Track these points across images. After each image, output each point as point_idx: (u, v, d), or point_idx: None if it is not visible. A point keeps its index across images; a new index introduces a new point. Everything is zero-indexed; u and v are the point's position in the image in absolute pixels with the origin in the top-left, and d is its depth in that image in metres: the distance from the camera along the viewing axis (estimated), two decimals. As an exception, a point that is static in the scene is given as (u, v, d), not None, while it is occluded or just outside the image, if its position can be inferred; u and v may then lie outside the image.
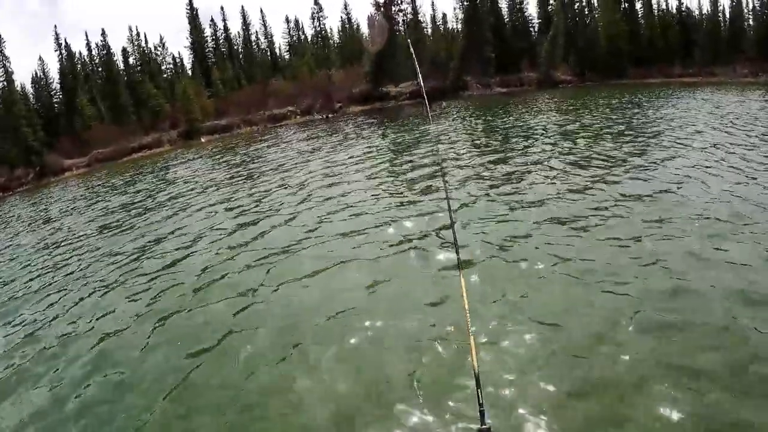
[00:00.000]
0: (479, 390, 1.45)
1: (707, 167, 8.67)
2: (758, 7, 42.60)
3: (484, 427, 1.35)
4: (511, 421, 3.14)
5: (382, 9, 41.62)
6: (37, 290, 7.84)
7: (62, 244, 10.96)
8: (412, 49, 2.85)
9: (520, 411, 3.23)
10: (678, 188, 7.62)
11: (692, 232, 5.74)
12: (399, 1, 41.92)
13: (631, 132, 13.57)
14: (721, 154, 9.65)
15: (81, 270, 8.35)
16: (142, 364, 4.68)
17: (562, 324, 4.19)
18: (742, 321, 3.92)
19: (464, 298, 1.70)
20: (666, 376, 3.38)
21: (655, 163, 9.53)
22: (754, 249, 5.17)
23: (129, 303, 6.25)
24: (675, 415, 3.05)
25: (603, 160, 10.16)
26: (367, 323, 4.65)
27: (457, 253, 2.05)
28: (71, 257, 9.43)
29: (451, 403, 3.37)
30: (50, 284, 7.96)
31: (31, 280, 8.57)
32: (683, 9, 46.79)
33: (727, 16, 45.51)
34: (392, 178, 10.89)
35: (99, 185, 22.46)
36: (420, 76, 2.26)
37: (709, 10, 45.94)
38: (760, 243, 5.27)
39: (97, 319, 5.96)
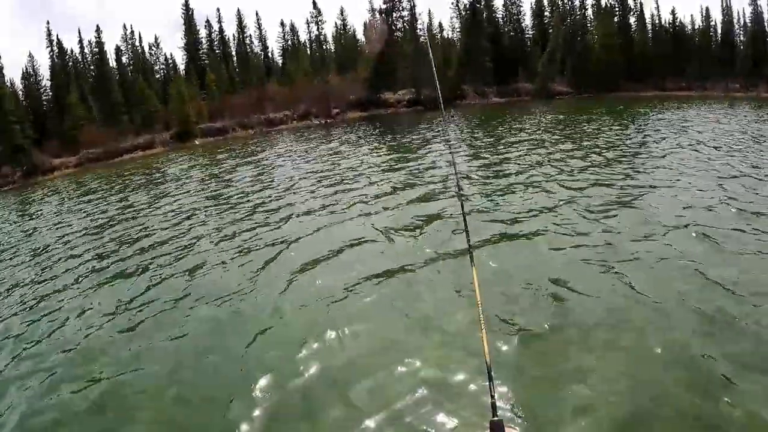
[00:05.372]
0: (491, 383, 1.45)
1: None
2: (749, 23, 43.51)
3: (495, 419, 1.33)
4: (522, 414, 3.27)
5: (381, 15, 41.56)
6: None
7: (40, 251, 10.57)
8: (431, 54, 2.69)
9: (531, 404, 3.37)
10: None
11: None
12: (400, 8, 41.92)
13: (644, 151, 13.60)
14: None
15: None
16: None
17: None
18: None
19: (476, 292, 1.70)
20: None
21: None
22: None
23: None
24: None
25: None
26: (380, 318, 4.94)
27: (469, 243, 1.98)
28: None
29: (463, 396, 3.55)
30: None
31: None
32: (677, 24, 47.56)
33: (719, 31, 46.40)
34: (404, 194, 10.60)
35: (86, 188, 21.74)
36: (437, 79, 2.13)
37: (702, 24, 46.86)
38: None
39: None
